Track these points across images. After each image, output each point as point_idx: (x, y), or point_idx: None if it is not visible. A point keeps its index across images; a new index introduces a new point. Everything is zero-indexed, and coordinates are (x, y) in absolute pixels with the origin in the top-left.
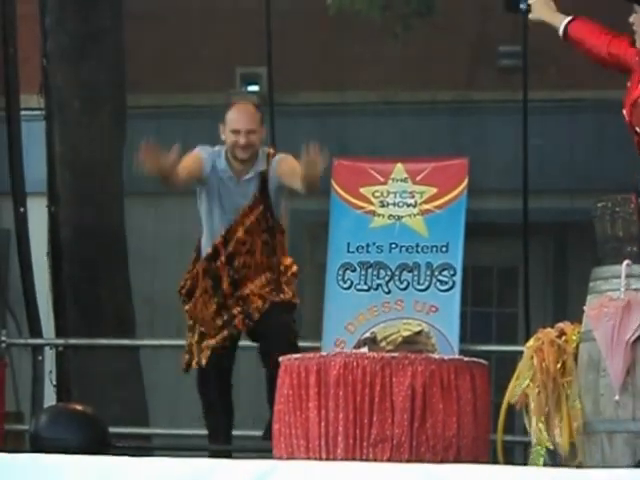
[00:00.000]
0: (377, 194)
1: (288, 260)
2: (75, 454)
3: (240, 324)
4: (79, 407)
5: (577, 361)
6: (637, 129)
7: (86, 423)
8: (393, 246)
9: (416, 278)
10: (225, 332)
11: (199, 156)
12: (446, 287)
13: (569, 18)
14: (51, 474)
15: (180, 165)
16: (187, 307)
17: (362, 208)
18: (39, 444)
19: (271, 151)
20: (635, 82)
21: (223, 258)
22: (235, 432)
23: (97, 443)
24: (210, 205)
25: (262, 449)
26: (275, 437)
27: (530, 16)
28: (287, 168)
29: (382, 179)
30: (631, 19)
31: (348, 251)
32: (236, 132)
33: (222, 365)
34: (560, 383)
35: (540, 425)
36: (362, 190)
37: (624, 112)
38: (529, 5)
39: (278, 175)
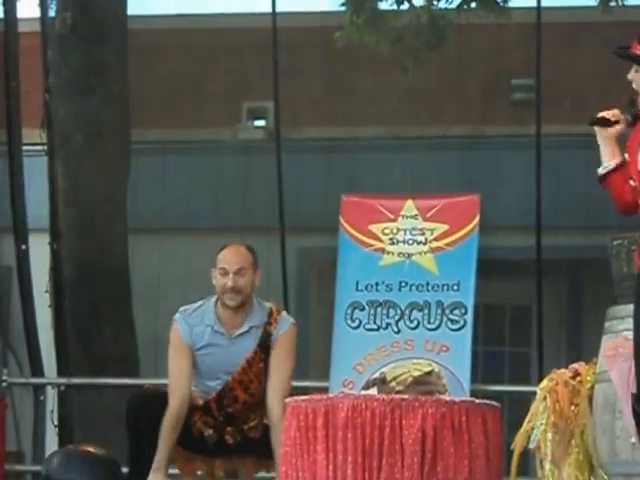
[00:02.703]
0: (387, 231)
1: None
2: None
3: (230, 439)
4: (92, 449)
5: (592, 402)
6: None
7: (99, 465)
8: (403, 284)
9: (426, 317)
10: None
11: (185, 345)
12: (457, 326)
13: (620, 161)
14: None
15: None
16: None
17: (371, 245)
18: None
19: (274, 308)
20: (635, 146)
21: (216, 412)
22: None
23: None
24: (201, 361)
25: None
26: None
27: (603, 133)
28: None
29: (392, 216)
30: (629, 76)
31: (357, 289)
32: (224, 273)
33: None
34: (574, 425)
35: (550, 468)
36: (371, 227)
37: (633, 182)
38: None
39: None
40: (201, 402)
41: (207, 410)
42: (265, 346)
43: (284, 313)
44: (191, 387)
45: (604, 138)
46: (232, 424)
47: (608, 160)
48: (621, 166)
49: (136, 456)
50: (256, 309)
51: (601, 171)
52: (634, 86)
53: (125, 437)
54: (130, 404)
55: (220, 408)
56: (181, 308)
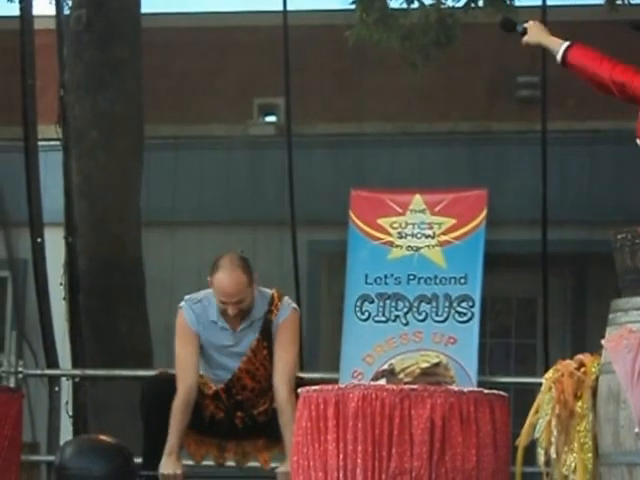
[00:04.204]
0: (395, 225)
1: None
2: None
3: (240, 423)
4: (105, 438)
5: (596, 393)
6: None
7: (112, 454)
8: (411, 277)
9: (434, 309)
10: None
11: (191, 332)
12: (465, 318)
13: (567, 43)
14: None
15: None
16: None
17: (380, 239)
18: (65, 476)
19: (276, 294)
20: None
21: (225, 400)
22: None
23: (123, 474)
24: (208, 351)
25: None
26: (293, 470)
27: (526, 39)
28: (278, 350)
29: (400, 210)
30: None
31: (366, 282)
32: (224, 302)
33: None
34: (578, 416)
35: (552, 458)
36: (380, 221)
37: (639, 141)
38: (525, 28)
39: (275, 336)
40: (211, 391)
41: (217, 398)
42: (267, 333)
43: (286, 298)
44: (198, 373)
45: (535, 41)
46: (242, 409)
47: (557, 47)
48: (571, 45)
49: (151, 439)
50: (258, 303)
51: (560, 55)
52: None
53: (139, 428)
54: (146, 388)
55: (229, 397)
56: (186, 297)
